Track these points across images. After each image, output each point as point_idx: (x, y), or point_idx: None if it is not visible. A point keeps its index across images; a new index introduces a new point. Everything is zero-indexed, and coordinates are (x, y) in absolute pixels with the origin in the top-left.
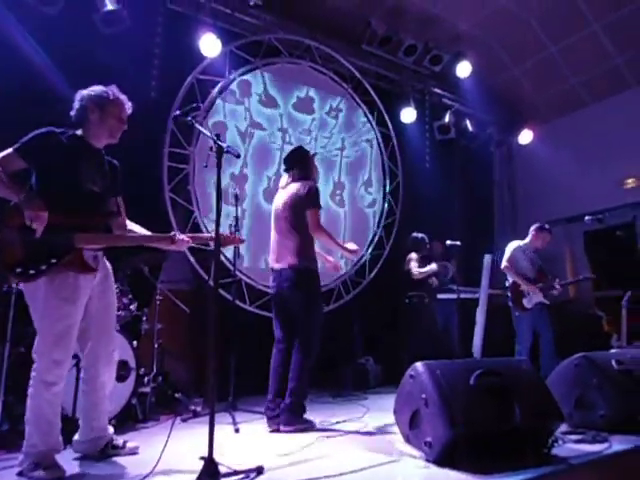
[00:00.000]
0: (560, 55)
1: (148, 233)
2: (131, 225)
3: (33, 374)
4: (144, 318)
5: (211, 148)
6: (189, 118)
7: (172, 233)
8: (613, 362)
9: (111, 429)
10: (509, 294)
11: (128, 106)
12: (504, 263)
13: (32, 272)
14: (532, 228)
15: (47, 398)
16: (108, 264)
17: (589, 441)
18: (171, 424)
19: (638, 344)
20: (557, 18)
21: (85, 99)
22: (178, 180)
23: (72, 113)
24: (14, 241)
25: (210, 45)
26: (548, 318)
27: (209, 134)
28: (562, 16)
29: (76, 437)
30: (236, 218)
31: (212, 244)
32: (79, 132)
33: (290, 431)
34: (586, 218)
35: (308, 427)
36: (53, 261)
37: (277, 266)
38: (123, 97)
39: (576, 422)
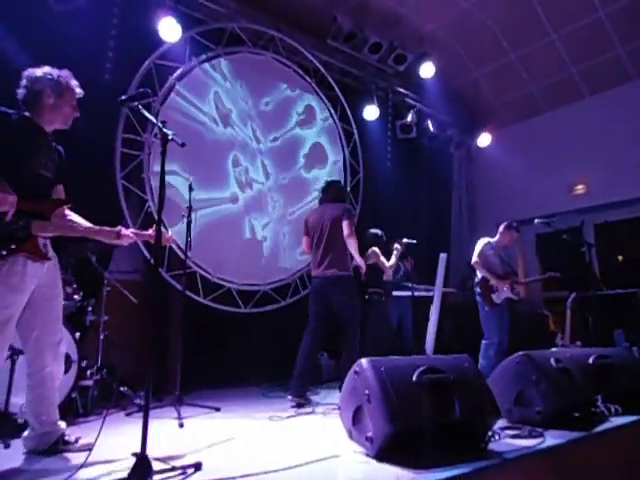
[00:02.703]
0: (519, 61)
1: (88, 224)
2: (70, 214)
3: None
4: (90, 309)
5: (156, 135)
6: (135, 103)
7: (118, 228)
8: (552, 360)
9: (63, 424)
10: (478, 289)
11: (79, 92)
12: (474, 259)
13: None
14: (501, 226)
15: None
16: (54, 253)
17: (525, 436)
18: (103, 418)
19: (579, 343)
20: (517, 26)
21: (41, 82)
22: (132, 167)
23: (21, 92)
24: None
25: (170, 29)
26: (511, 314)
27: (155, 120)
28: (522, 24)
29: (25, 433)
30: (189, 208)
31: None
32: (27, 114)
33: None
34: (535, 221)
35: None
36: (12, 247)
37: (327, 272)
38: (75, 83)
39: (515, 418)
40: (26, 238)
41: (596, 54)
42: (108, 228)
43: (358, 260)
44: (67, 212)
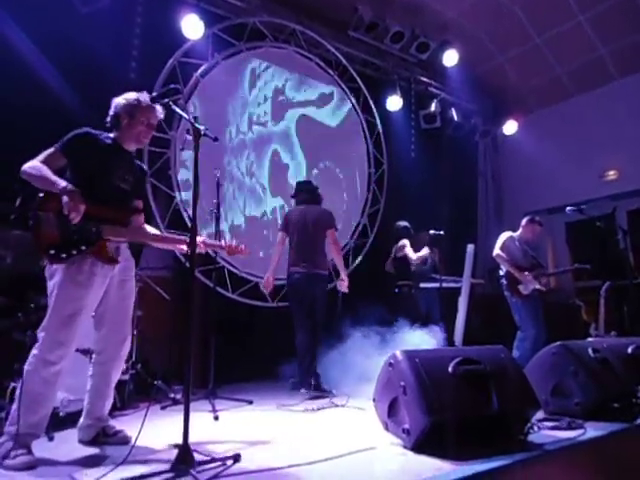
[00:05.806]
0: (545, 45)
1: (158, 232)
2: (146, 226)
3: (34, 352)
4: None
5: (188, 131)
6: (166, 100)
7: (185, 238)
8: (590, 350)
9: (109, 419)
10: (504, 282)
11: (158, 111)
12: (496, 251)
13: (63, 255)
14: (523, 220)
15: (44, 376)
16: (130, 256)
17: (564, 428)
18: (145, 411)
19: (614, 333)
20: (543, 8)
21: (118, 107)
22: (159, 165)
23: (107, 119)
24: (50, 224)
25: (193, 27)
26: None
27: (187, 116)
28: (547, 7)
29: (79, 423)
30: (217, 204)
31: (223, 254)
32: (112, 135)
33: None
34: (567, 209)
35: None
36: (83, 248)
37: (312, 270)
38: (149, 104)
39: (552, 409)
40: (95, 241)
41: (627, 34)
42: (178, 237)
43: (344, 274)
44: (144, 225)
